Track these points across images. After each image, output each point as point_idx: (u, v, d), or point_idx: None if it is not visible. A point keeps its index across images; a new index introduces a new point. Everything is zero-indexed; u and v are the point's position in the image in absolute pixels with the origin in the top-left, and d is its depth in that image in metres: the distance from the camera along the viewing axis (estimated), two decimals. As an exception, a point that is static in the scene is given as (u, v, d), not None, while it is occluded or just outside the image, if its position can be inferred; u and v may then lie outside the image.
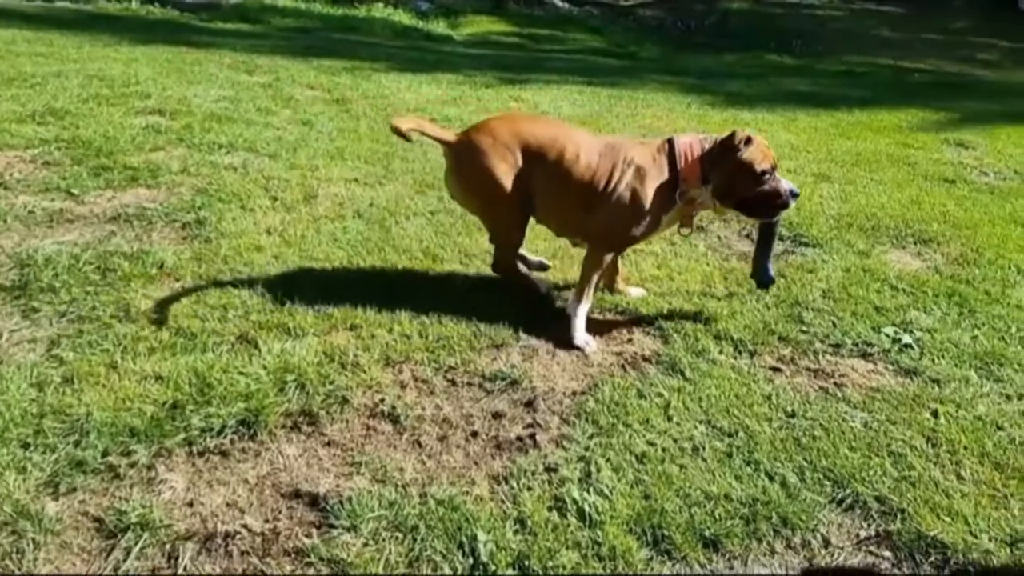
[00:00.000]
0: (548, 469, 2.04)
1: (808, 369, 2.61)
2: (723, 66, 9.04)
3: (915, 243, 3.76)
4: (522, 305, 2.80)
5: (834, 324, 2.88)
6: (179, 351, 2.34)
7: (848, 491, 2.04)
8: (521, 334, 2.64)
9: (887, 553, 1.88)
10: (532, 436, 2.16)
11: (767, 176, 2.56)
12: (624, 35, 11.05)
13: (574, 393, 2.37)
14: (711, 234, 3.68)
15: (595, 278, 2.68)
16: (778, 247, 3.55)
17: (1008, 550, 1.89)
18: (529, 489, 1.96)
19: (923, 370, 2.61)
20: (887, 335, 2.82)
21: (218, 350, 2.37)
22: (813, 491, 2.03)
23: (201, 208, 3.38)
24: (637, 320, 2.81)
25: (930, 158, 5.38)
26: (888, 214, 4.10)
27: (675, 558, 1.80)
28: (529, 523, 1.85)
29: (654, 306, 2.90)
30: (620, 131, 5.31)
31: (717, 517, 1.91)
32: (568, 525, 1.85)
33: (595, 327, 2.72)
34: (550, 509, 1.90)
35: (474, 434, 2.16)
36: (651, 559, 1.79)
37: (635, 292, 3.00)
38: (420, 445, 2.10)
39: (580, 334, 2.63)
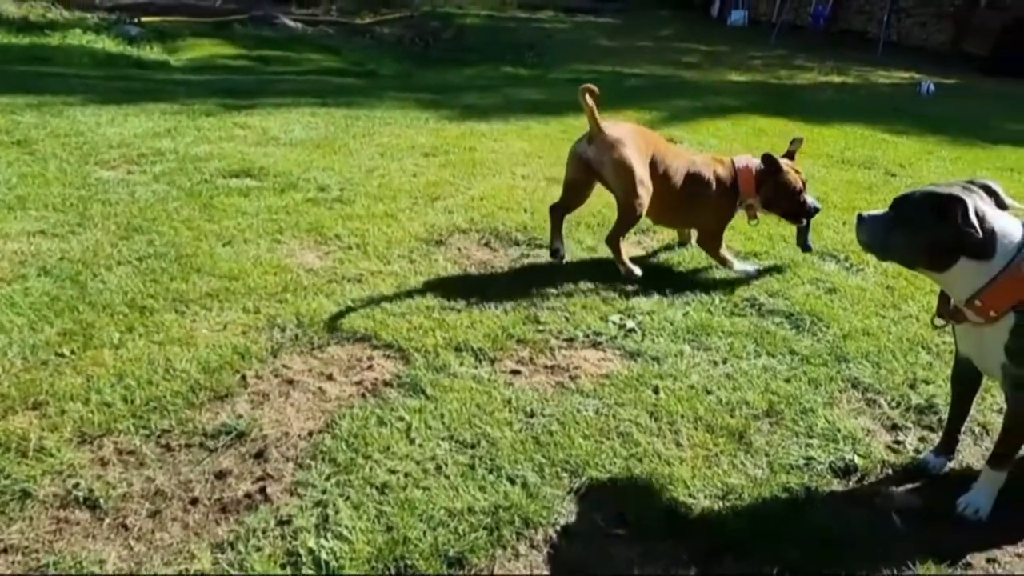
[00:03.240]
0: (281, 523, 1.89)
1: (546, 367, 2.71)
2: (461, 79, 9.30)
3: (635, 233, 4.07)
4: (251, 347, 2.61)
5: (567, 319, 3.02)
6: None
7: (584, 479, 2.12)
8: (250, 379, 2.45)
9: (621, 531, 1.98)
10: (263, 490, 1.99)
11: (798, 194, 3.50)
12: (362, 53, 10.95)
13: (310, 433, 2.23)
14: (451, 246, 3.72)
15: (721, 249, 3.59)
16: (515, 251, 3.71)
17: (721, 503, 2.08)
18: (259, 550, 1.80)
19: (645, 351, 2.82)
20: (614, 323, 3.02)
21: None
22: (552, 486, 2.09)
23: None
24: (377, 344, 2.74)
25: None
26: (612, 210, 4.34)
27: (419, 587, 1.75)
28: (258, 588, 1.69)
29: (394, 328, 2.84)
30: (357, 152, 5.22)
31: (461, 533, 1.89)
32: (304, 580, 1.72)
33: (333, 360, 2.62)
34: (283, 566, 1.76)
35: (194, 501, 1.94)
36: (395, 594, 1.73)
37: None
38: (126, 528, 1.84)
39: (745, 267, 3.59)
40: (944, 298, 2.03)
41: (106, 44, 9.15)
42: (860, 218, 2.06)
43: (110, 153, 4.75)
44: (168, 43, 9.91)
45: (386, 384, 2.51)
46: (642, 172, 3.40)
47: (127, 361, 2.45)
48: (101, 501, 1.90)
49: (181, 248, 3.37)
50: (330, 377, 2.52)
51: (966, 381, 2.21)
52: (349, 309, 2.95)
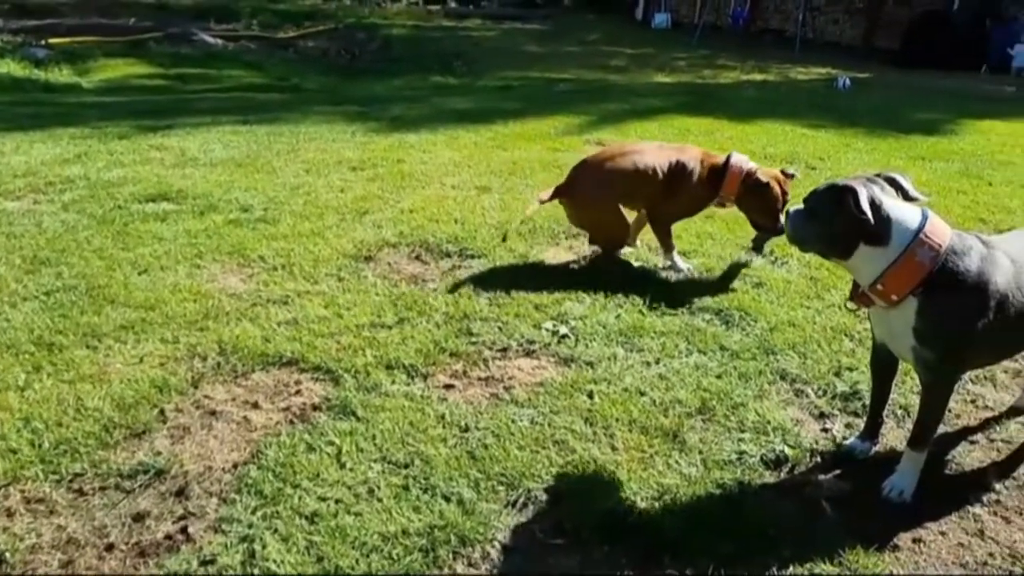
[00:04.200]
0: (204, 562, 1.80)
1: (480, 379, 2.68)
2: (389, 91, 9.19)
3: (566, 238, 4.09)
4: (170, 379, 2.50)
5: (500, 329, 3.00)
6: None
7: (520, 491, 2.10)
8: (169, 413, 2.34)
9: (560, 540, 1.96)
10: (184, 529, 1.91)
11: (776, 211, 3.55)
12: (286, 68, 10.69)
13: (235, 465, 2.15)
14: (381, 262, 3.65)
15: (669, 235, 3.69)
16: (446, 263, 3.67)
17: (657, 504, 2.08)
18: (181, 594, 1.71)
19: (579, 356, 2.82)
20: (547, 329, 3.01)
21: None
22: (489, 500, 2.06)
23: None
24: (305, 368, 2.66)
25: (575, 158, 5.81)
26: (543, 216, 4.38)
27: (353, 618, 1.70)
28: (181, 635, 1.61)
29: (322, 349, 2.77)
30: (281, 169, 5.10)
31: (395, 558, 1.84)
32: (230, 622, 1.65)
33: (259, 387, 2.54)
34: (207, 610, 1.68)
35: (110, 547, 1.84)
36: (327, 628, 1.67)
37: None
38: (35, 582, 1.73)
39: (680, 263, 3.67)
40: (856, 283, 2.11)
41: (11, 68, 8.68)
42: (787, 213, 2.15)
43: (15, 183, 4.52)
44: (79, 64, 9.49)
45: (315, 408, 2.44)
46: (611, 215, 3.62)
47: (34, 403, 2.32)
48: (8, 554, 1.79)
49: (93, 279, 3.22)
50: (255, 405, 2.43)
51: (884, 366, 2.28)
52: (275, 333, 2.87)
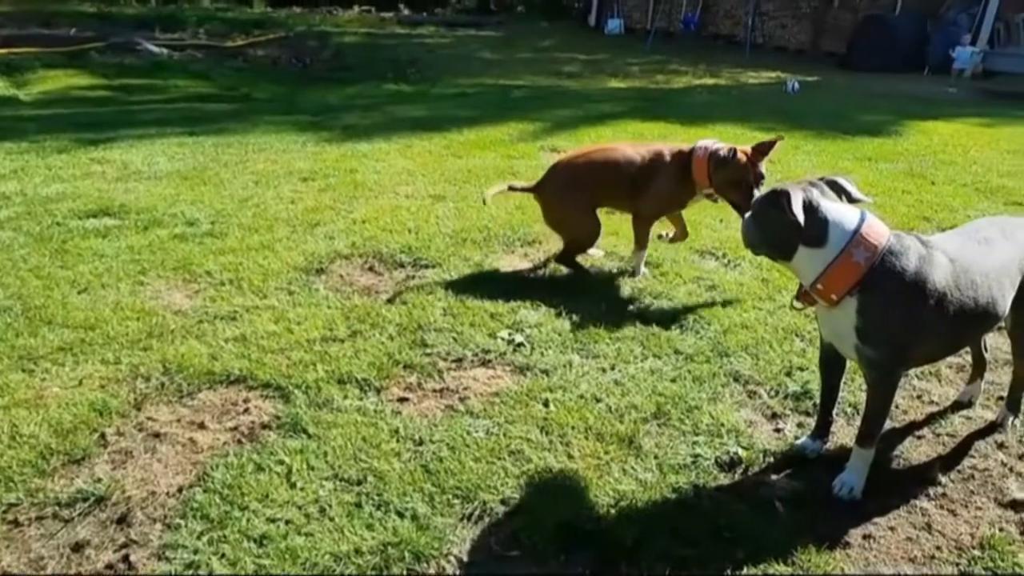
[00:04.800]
0: (147, 593, 1.74)
1: (435, 391, 2.64)
2: (342, 99, 9.07)
3: (522, 246, 4.08)
4: (111, 402, 2.41)
5: (455, 339, 2.97)
6: None
7: (476, 503, 2.08)
8: (110, 437, 2.26)
9: (516, 552, 1.94)
10: (126, 558, 1.84)
11: (748, 188, 3.35)
12: (236, 77, 10.44)
13: (180, 489, 2.08)
14: (333, 274, 3.59)
15: (647, 234, 3.69)
16: (400, 274, 3.63)
17: (614, 510, 2.08)
18: (122, 627, 1.65)
19: (534, 364, 2.81)
20: (503, 338, 2.99)
21: None
22: (443, 515, 2.03)
23: None
24: (253, 385, 2.60)
25: (530, 165, 5.93)
26: (498, 224, 4.38)
27: (304, 643, 1.65)
28: (121, 671, 1.54)
29: (271, 366, 2.70)
30: (229, 181, 4.99)
31: (348, 579, 1.80)
32: (174, 654, 1.59)
33: (205, 406, 2.46)
34: (150, 642, 1.62)
35: (46, 581, 1.77)
36: (276, 656, 1.62)
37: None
38: (-36, 623, 1.65)
39: (641, 266, 3.72)
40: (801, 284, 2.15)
41: (-58, 84, 8.32)
42: (743, 219, 2.21)
43: (-54, 201, 4.33)
44: (16, 76, 9.14)
45: (264, 427, 2.38)
46: (580, 216, 3.64)
47: (-36, 432, 2.21)
48: (-67, 596, 1.70)
49: (29, 300, 3.10)
50: (201, 425, 2.36)
51: (832, 365, 2.31)
52: (222, 350, 2.79)
